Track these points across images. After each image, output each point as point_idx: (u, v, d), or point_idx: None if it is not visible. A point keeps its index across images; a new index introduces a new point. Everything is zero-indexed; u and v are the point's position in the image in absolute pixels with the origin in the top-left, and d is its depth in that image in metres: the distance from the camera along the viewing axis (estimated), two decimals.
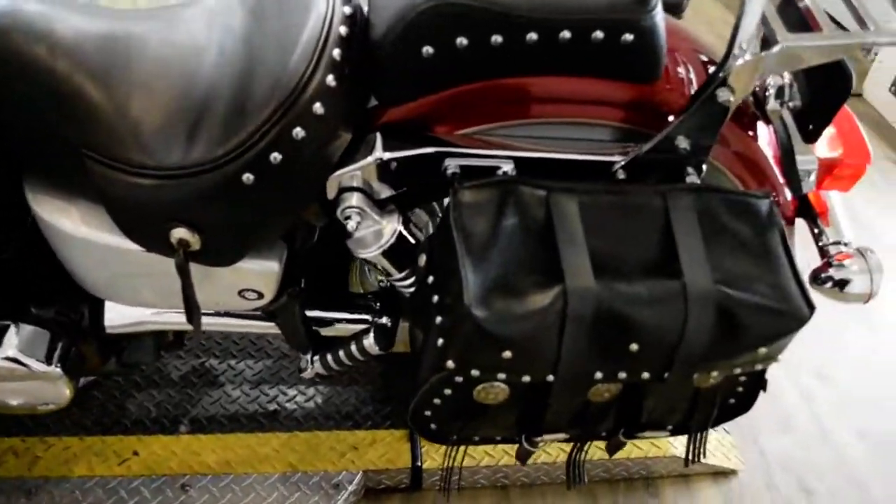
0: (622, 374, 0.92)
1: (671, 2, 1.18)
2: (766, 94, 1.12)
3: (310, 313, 1.22)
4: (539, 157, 0.98)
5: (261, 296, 1.10)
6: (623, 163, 0.98)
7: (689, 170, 1.00)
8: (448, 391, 0.95)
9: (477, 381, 0.92)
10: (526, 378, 0.90)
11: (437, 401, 0.97)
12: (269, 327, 1.22)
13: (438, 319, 0.89)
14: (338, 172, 0.96)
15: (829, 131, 1.19)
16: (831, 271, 1.18)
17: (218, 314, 1.22)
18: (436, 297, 0.91)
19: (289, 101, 0.89)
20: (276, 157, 0.90)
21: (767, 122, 1.13)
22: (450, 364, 0.89)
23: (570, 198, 0.92)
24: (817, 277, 1.20)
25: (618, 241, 0.92)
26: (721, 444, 1.58)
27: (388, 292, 1.23)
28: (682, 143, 0.96)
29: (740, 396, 1.07)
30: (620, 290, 0.87)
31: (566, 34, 0.89)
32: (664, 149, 0.96)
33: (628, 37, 0.90)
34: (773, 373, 1.00)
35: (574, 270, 0.87)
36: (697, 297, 0.88)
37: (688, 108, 0.93)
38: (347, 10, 0.95)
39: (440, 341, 0.89)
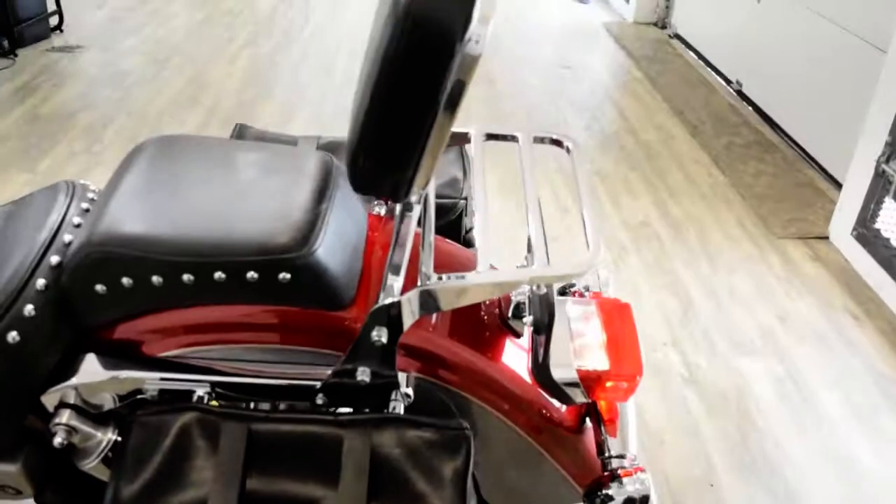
0: None
1: None
2: (508, 308, 1.09)
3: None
4: (235, 381, 0.99)
5: (19, 492, 1.14)
6: (318, 388, 0.98)
7: (397, 394, 0.98)
8: None
9: None
10: None
11: None
12: None
13: None
14: (51, 390, 1.01)
15: (599, 340, 1.14)
16: (612, 488, 1.11)
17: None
18: None
19: None
20: None
21: (518, 335, 1.10)
22: None
23: (241, 427, 0.91)
24: (595, 494, 1.12)
25: (284, 476, 0.90)
26: None
27: None
28: (362, 374, 0.94)
29: None
30: None
31: (221, 275, 0.91)
32: (348, 377, 0.95)
33: (285, 275, 0.91)
34: None
35: None
36: None
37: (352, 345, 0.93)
38: (67, 237, 1.02)
39: None
